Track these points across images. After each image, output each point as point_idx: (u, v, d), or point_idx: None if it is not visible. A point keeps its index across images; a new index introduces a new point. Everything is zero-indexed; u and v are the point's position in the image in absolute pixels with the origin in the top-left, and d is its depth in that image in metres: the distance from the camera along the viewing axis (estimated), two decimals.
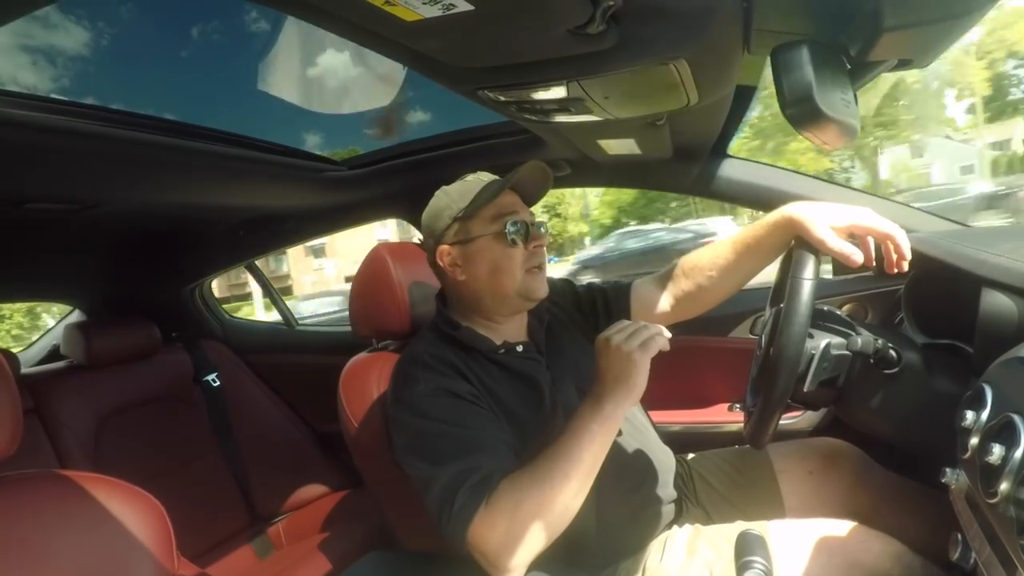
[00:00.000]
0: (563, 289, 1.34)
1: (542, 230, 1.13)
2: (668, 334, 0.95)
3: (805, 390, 0.99)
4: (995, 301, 0.87)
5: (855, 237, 1.01)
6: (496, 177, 1.15)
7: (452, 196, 1.13)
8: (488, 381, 1.08)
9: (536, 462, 0.90)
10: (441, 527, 0.92)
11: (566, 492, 0.87)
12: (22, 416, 0.74)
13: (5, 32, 0.75)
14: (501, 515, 0.86)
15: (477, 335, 1.14)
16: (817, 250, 0.98)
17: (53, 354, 2.40)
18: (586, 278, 4.18)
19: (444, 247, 1.13)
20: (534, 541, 0.86)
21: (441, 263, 1.14)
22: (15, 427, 0.73)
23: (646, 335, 0.92)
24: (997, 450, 0.63)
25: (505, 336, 1.16)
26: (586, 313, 1.32)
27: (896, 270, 1.01)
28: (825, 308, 1.08)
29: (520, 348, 1.16)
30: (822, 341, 0.99)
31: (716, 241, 1.22)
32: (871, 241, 1.02)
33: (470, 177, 1.16)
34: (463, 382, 1.05)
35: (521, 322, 1.21)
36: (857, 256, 0.98)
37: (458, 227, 1.11)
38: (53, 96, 1.13)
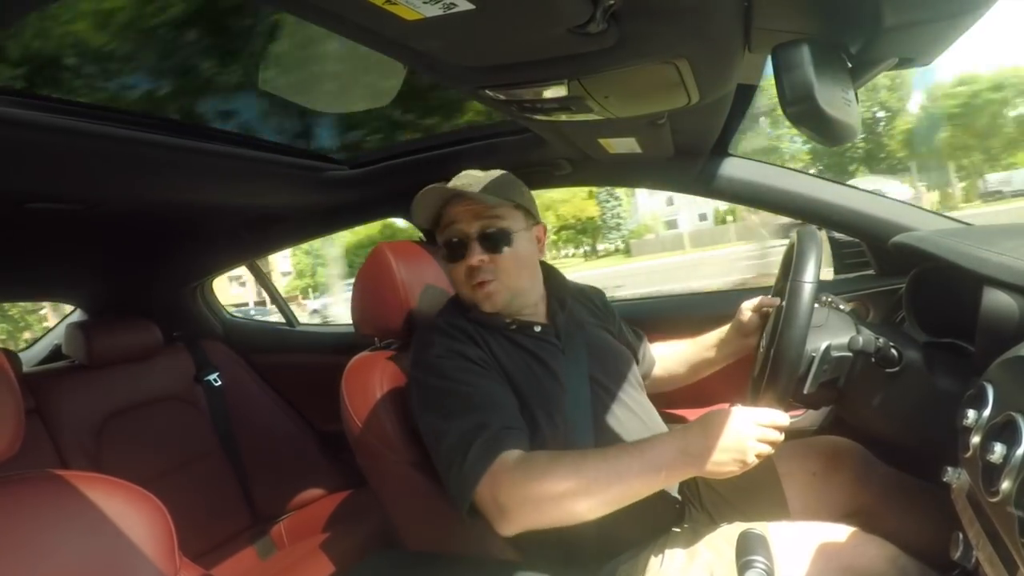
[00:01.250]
0: (594, 293, 1.43)
1: (484, 243, 1.12)
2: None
3: (805, 392, 0.99)
4: (996, 299, 0.87)
5: None
6: (480, 174, 1.18)
7: None
8: (499, 352, 1.12)
9: (587, 455, 0.92)
10: (449, 481, 0.95)
11: (596, 498, 0.88)
12: (24, 416, 0.74)
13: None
14: (525, 480, 0.89)
15: (487, 315, 1.16)
16: (819, 250, 0.98)
17: (55, 354, 2.40)
18: None
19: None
20: (542, 517, 0.89)
21: None
22: (17, 427, 0.73)
23: (768, 450, 0.91)
24: (999, 449, 0.63)
25: (521, 316, 1.19)
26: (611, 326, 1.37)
27: None
28: (828, 300, 1.07)
29: (538, 329, 1.17)
30: (823, 343, 0.99)
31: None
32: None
33: (455, 179, 1.18)
34: (474, 347, 1.09)
35: (538, 306, 1.24)
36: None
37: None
38: (55, 96, 1.13)
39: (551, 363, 1.13)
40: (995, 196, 23.21)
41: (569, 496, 0.87)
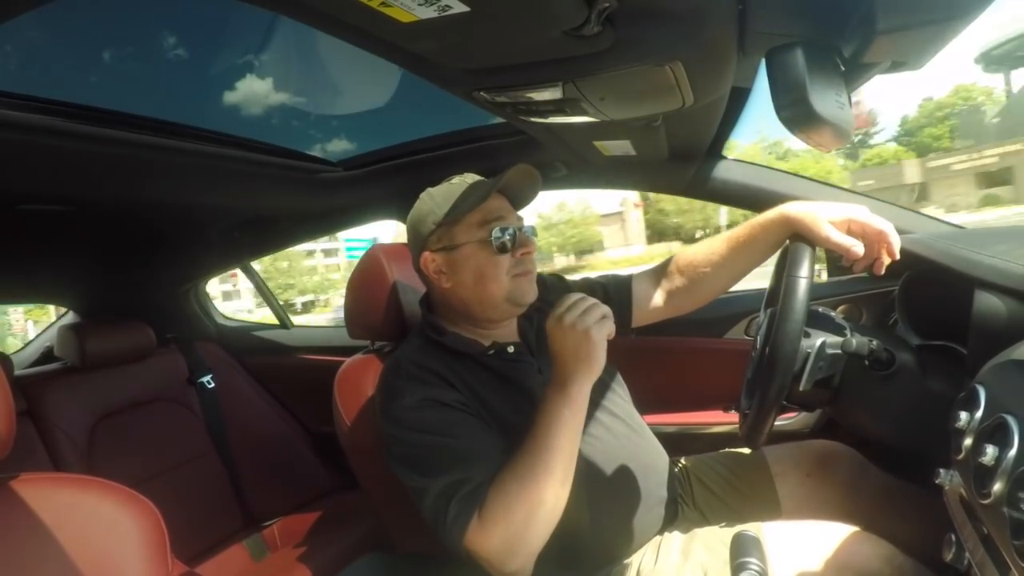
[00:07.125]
0: (555, 287, 1.32)
1: (530, 235, 1.11)
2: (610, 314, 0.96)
3: (801, 389, 0.99)
4: (988, 302, 0.87)
5: (851, 233, 1.02)
6: (482, 179, 1.14)
7: (436, 200, 1.10)
8: (477, 387, 1.07)
9: (516, 462, 0.90)
10: (438, 536, 0.92)
11: (552, 485, 0.87)
12: (15, 418, 0.74)
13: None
14: (494, 523, 0.86)
15: (465, 339, 1.12)
16: (813, 248, 0.98)
17: (47, 356, 2.39)
18: None
19: (428, 254, 1.11)
20: (533, 540, 0.87)
21: (426, 270, 1.12)
22: (8, 429, 0.72)
23: (599, 313, 0.93)
24: (990, 451, 0.63)
25: (495, 337, 1.15)
26: None
27: (881, 271, 1.04)
28: (820, 310, 1.08)
29: (511, 349, 1.15)
30: (817, 340, 0.99)
31: (712, 237, 1.24)
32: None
33: (456, 179, 1.13)
34: (450, 390, 1.04)
35: (511, 324, 1.20)
36: (857, 248, 1.00)
37: (442, 232, 1.09)
38: (45, 97, 1.12)
39: (531, 386, 1.10)
40: None
41: (535, 507, 0.86)
